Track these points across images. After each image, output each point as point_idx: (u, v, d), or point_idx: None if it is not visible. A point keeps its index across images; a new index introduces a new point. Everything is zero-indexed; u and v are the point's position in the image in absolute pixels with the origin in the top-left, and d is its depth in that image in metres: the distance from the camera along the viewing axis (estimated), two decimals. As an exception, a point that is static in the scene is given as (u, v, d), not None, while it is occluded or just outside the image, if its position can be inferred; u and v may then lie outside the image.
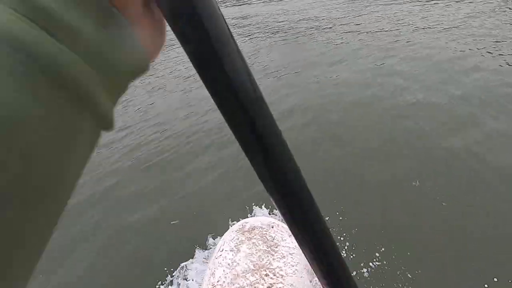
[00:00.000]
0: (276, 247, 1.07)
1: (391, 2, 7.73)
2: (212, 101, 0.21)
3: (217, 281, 1.01)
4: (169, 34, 0.21)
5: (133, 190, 2.53)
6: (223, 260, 1.06)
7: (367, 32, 5.69)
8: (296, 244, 1.03)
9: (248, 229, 1.15)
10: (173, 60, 5.79)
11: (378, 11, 7.20)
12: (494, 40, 4.32)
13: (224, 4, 11.98)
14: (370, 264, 1.65)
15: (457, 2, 6.78)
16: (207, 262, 1.63)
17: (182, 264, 1.76)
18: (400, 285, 1.54)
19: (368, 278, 1.58)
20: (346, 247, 1.74)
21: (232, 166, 2.58)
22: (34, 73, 0.13)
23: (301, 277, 0.98)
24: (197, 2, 0.17)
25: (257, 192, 2.13)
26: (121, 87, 0.17)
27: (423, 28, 5.43)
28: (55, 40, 0.13)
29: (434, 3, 7.03)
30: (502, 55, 3.87)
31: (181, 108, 3.94)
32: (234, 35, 0.20)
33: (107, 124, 0.16)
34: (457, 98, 3.06)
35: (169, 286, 1.70)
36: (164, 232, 2.06)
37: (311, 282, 0.99)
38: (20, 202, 0.12)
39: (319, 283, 0.97)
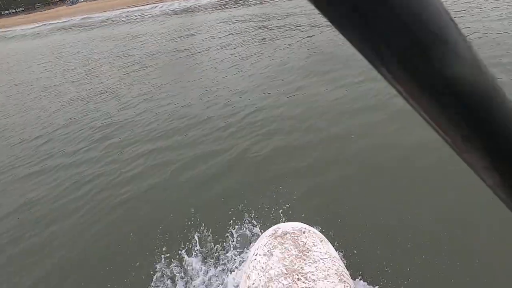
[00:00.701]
0: (308, 252, 1.11)
1: None
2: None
3: (252, 284, 1.07)
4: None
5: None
6: (257, 264, 1.13)
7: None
8: (327, 249, 1.07)
9: (281, 234, 1.20)
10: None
11: None
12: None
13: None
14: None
15: None
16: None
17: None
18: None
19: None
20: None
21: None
22: None
23: (332, 282, 1.01)
24: None
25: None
26: None
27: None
28: None
29: None
30: None
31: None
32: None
33: None
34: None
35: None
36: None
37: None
38: None
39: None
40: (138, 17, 17.78)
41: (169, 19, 14.53)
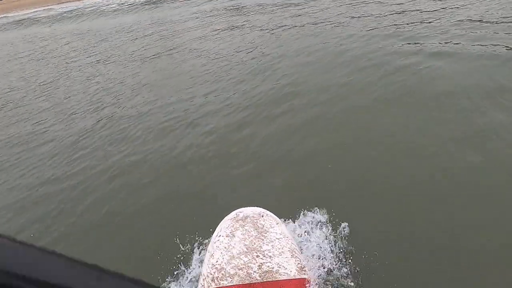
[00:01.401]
0: (265, 233, 1.27)
1: None
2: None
3: (216, 261, 1.20)
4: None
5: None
6: (220, 244, 1.25)
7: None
8: (282, 231, 1.26)
9: (242, 218, 1.34)
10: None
11: None
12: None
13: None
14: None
15: None
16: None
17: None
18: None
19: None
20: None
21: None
22: None
23: (286, 257, 1.19)
24: None
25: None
26: None
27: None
28: None
29: None
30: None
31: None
32: None
33: None
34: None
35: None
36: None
37: (295, 264, 1.19)
38: None
39: (302, 265, 1.18)
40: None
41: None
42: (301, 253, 1.28)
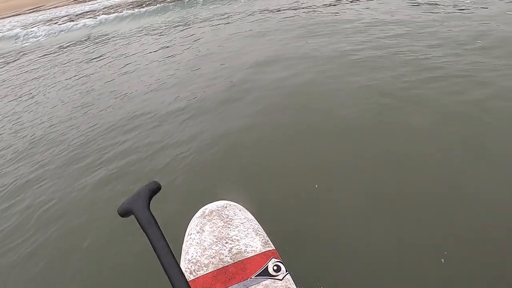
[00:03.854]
0: (231, 221, 1.41)
1: None
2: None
3: (191, 256, 1.32)
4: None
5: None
6: (193, 241, 1.38)
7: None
8: (246, 216, 1.44)
9: (208, 213, 1.47)
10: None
11: None
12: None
13: None
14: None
15: None
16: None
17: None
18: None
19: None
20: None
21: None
22: None
23: (251, 237, 1.34)
24: None
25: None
26: None
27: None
28: None
29: None
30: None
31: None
32: None
33: None
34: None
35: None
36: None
37: (260, 240, 1.34)
38: None
39: (266, 240, 1.34)
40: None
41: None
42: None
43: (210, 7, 10.18)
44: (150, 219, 0.47)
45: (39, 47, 10.14)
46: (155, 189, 0.54)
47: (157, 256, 0.47)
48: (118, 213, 0.53)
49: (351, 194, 2.15)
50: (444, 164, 2.21)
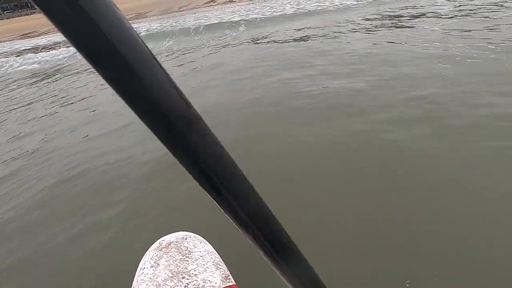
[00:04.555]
0: (190, 254, 1.30)
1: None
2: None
3: (142, 295, 1.19)
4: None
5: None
6: (145, 276, 1.25)
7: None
8: (206, 248, 1.33)
9: (165, 245, 1.35)
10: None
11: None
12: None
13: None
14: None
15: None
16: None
17: None
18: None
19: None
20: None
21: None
22: None
23: (211, 271, 1.23)
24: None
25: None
26: None
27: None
28: None
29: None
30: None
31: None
32: None
33: None
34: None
35: None
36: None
37: (220, 275, 1.24)
38: None
39: (226, 275, 1.24)
40: None
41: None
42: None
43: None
44: None
45: None
46: None
47: None
48: None
49: (322, 226, 2.11)
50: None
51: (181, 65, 7.33)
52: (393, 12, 9.32)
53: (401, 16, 8.52)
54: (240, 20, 12.05)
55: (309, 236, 2.02)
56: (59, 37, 17.05)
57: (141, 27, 14.98)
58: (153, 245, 1.37)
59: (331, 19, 9.69)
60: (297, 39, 7.74)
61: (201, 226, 1.86)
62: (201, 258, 1.29)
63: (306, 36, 7.95)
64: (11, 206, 2.92)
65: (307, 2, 14.25)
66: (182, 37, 10.91)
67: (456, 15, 7.30)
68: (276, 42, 7.82)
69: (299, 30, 8.94)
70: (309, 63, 5.54)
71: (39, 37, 19.43)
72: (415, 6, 9.70)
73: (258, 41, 8.39)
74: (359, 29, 7.80)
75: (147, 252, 1.36)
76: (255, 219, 0.26)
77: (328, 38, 7.27)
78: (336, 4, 12.47)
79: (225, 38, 9.53)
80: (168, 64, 7.47)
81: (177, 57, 8.35)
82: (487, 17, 6.66)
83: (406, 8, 9.67)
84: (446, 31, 6.21)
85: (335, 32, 7.76)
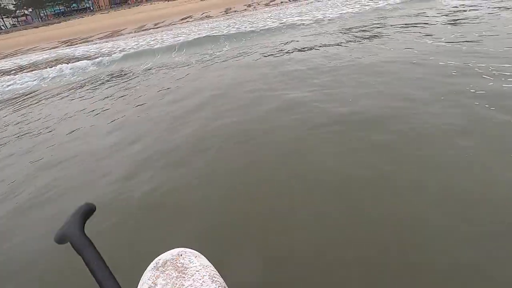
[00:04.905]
0: (186, 270, 1.35)
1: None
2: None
3: (141, 316, 1.22)
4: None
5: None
6: (143, 297, 1.28)
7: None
8: (201, 262, 1.40)
9: (162, 264, 1.39)
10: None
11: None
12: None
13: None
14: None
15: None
16: None
17: None
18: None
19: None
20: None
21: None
22: None
23: (207, 285, 1.29)
24: None
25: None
26: None
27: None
28: None
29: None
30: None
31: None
32: None
33: None
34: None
35: None
36: None
37: (215, 286, 1.30)
38: None
39: (222, 286, 1.30)
40: None
41: None
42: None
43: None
44: (86, 241, 0.46)
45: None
46: (88, 211, 0.53)
47: (95, 277, 0.45)
48: (55, 241, 0.51)
49: (315, 242, 2.14)
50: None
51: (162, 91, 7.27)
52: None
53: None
54: (221, 35, 12.18)
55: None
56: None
57: (114, 48, 14.81)
58: (150, 265, 1.41)
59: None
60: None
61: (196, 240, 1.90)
62: (197, 273, 1.34)
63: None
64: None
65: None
66: (162, 56, 10.88)
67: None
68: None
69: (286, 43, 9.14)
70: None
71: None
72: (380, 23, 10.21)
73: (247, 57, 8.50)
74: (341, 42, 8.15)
75: (145, 272, 1.39)
76: None
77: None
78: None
79: (206, 56, 9.48)
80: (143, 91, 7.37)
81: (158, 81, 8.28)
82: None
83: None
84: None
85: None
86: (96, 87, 7.99)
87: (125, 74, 8.89)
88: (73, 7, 63.20)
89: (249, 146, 3.42)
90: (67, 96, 7.65)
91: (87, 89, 7.82)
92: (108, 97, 6.75)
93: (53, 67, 11.69)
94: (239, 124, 4.00)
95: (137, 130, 4.45)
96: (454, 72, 4.31)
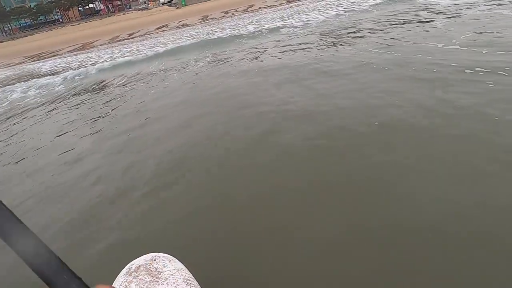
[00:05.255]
0: (159, 274, 1.33)
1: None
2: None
3: (113, 323, 1.18)
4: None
5: None
6: (115, 304, 1.25)
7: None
8: (175, 266, 1.40)
9: (134, 269, 1.37)
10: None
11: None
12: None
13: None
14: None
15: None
16: None
17: None
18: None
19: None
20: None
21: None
22: None
23: (181, 288, 1.27)
24: None
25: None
26: None
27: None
28: None
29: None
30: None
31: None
32: None
33: None
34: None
35: None
36: None
37: (190, 290, 1.29)
38: None
39: (197, 287, 1.29)
40: None
41: None
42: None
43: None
44: None
45: None
46: None
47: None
48: None
49: (293, 238, 2.09)
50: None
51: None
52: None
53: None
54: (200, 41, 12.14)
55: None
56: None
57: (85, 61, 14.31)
58: (122, 270, 1.38)
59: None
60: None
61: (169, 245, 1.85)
62: (171, 276, 1.32)
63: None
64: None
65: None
66: (138, 68, 10.60)
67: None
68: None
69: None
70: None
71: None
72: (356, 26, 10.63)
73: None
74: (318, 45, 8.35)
75: (117, 278, 1.35)
76: None
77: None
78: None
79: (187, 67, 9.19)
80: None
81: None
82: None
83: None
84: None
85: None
86: (58, 109, 7.47)
87: (96, 91, 8.44)
88: (41, 19, 60.78)
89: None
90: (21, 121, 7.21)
91: (46, 111, 7.37)
92: (73, 120, 6.10)
93: (15, 84, 11.19)
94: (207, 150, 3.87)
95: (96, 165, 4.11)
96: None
